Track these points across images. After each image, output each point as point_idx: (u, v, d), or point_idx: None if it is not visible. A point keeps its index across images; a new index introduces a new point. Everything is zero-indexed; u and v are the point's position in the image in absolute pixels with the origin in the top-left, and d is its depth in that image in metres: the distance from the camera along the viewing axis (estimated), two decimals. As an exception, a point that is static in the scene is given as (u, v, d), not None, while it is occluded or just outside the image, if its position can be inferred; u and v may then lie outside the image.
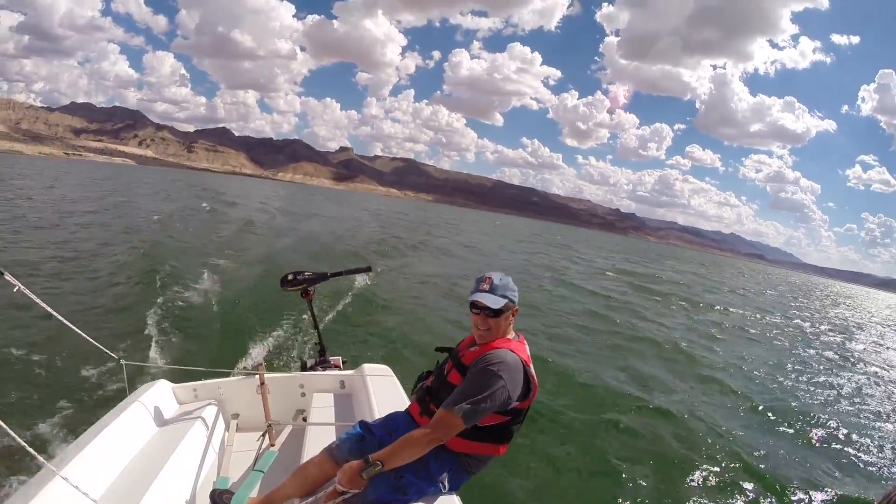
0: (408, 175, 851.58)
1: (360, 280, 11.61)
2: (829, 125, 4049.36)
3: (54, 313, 2.64)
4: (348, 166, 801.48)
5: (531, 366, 2.12)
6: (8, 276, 2.24)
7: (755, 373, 11.06)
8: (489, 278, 2.16)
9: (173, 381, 3.31)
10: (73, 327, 2.80)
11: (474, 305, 2.14)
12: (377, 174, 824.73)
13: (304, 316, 7.93)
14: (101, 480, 2.26)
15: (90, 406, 4.96)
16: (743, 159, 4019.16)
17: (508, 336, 2.18)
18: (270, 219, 28.54)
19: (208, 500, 2.37)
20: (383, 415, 2.56)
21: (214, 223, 21.87)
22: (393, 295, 11.53)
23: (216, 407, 3.23)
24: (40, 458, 1.80)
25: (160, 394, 3.08)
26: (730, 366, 11.21)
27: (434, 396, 2.18)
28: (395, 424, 2.29)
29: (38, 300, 2.48)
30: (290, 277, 3.78)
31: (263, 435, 3.00)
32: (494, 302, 2.10)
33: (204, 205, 30.50)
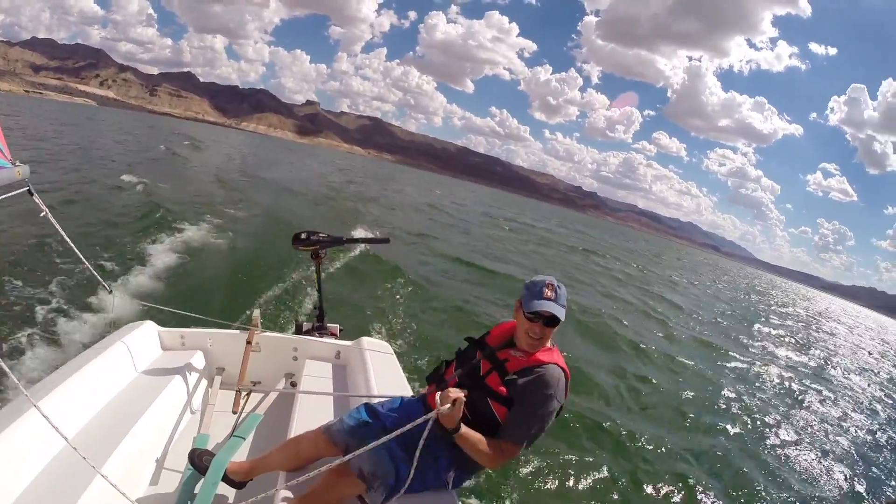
0: (373, 134, 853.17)
1: (371, 249, 10.93)
2: (796, 129, 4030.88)
3: (65, 237, 2.60)
4: (313, 120, 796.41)
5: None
6: (37, 199, 2.26)
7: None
8: (552, 285, 1.98)
9: (161, 324, 3.15)
10: (79, 252, 2.79)
11: (535, 313, 1.95)
12: (342, 130, 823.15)
13: (300, 276, 7.87)
14: (77, 419, 2.18)
15: (74, 335, 4.82)
16: (708, 152, 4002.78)
17: (549, 344, 2.05)
18: (272, 172, 28.04)
19: (186, 456, 2.26)
20: (380, 392, 2.49)
21: (217, 173, 21.34)
22: (403, 270, 10.69)
23: (202, 358, 3.09)
24: (20, 387, 1.74)
25: (146, 336, 2.95)
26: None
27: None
28: (405, 415, 2.07)
29: (55, 223, 2.46)
30: (303, 236, 3.61)
31: (248, 395, 2.90)
32: (561, 312, 1.95)
33: (172, 149, 29.18)
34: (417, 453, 1.80)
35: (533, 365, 1.97)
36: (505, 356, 2.03)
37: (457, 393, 1.81)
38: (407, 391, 2.64)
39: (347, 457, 1.82)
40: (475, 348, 2.14)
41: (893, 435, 10.11)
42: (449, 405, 1.79)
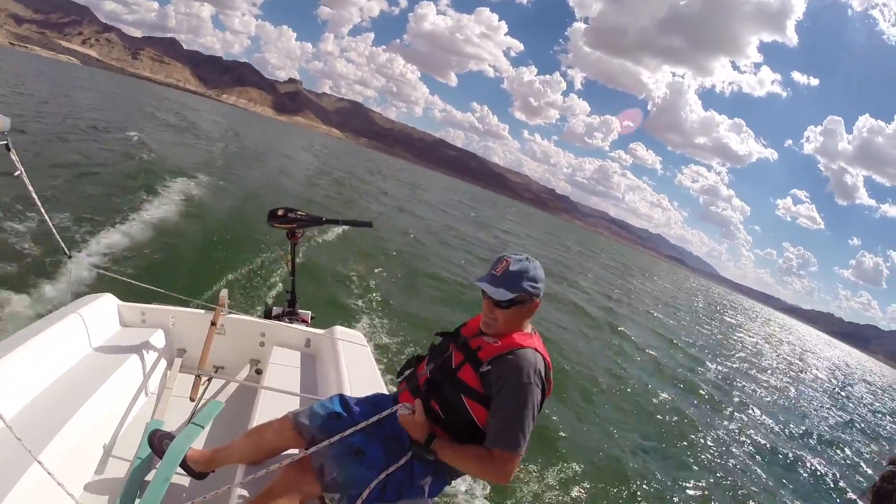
0: (353, 118, 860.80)
1: (351, 233, 10.30)
2: (771, 154, 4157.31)
3: (35, 197, 2.44)
4: (294, 98, 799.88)
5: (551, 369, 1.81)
6: (13, 156, 2.15)
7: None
8: (505, 262, 1.77)
9: (122, 296, 2.96)
10: (44, 212, 2.60)
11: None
12: (322, 111, 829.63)
13: (273, 256, 7.55)
14: (19, 396, 1.98)
15: (24, 302, 4.50)
16: (682, 167, 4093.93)
17: (526, 329, 1.83)
18: (249, 147, 27.01)
19: (137, 441, 2.16)
20: (352, 386, 2.38)
21: (196, 141, 20.35)
22: (384, 257, 10.35)
23: (162, 337, 2.90)
24: None
25: (104, 309, 2.76)
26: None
27: (436, 391, 1.82)
28: (377, 414, 1.86)
29: (29, 185, 2.33)
30: (279, 213, 3.34)
31: (209, 380, 2.69)
32: (501, 294, 1.74)
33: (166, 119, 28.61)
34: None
35: (506, 351, 1.74)
36: (478, 343, 1.82)
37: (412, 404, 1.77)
38: (380, 385, 2.55)
39: (310, 450, 1.72)
40: (449, 340, 1.94)
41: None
42: (405, 407, 1.76)
